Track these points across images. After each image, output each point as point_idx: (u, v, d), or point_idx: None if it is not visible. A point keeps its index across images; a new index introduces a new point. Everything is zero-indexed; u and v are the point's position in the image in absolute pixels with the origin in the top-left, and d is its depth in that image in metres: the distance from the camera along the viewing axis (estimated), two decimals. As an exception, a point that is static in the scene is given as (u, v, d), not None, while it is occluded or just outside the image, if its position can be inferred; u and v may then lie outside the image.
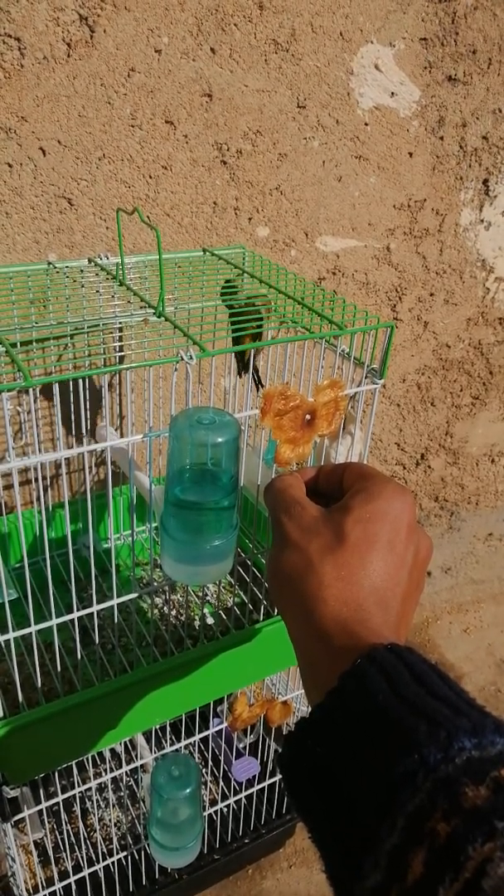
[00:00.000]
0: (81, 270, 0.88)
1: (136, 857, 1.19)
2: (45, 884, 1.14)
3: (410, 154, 1.27)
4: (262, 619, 0.90)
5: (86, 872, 1.12)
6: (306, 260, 1.27)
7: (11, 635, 0.73)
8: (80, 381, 0.92)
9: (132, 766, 1.08)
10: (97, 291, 0.82)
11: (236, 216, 1.16)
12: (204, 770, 1.36)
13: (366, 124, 1.19)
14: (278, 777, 1.28)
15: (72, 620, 0.77)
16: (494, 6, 1.20)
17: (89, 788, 1.21)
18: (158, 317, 0.74)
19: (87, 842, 1.23)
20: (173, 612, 1.01)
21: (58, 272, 0.87)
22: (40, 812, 1.07)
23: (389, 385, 1.56)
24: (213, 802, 1.29)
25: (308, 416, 0.71)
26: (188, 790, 1.00)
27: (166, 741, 1.15)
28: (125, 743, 1.22)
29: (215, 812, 1.27)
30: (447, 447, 1.76)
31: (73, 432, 1.08)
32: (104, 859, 1.15)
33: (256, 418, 0.70)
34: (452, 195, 1.37)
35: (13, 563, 1.05)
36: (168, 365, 0.66)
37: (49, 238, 1.03)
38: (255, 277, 0.89)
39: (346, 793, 0.33)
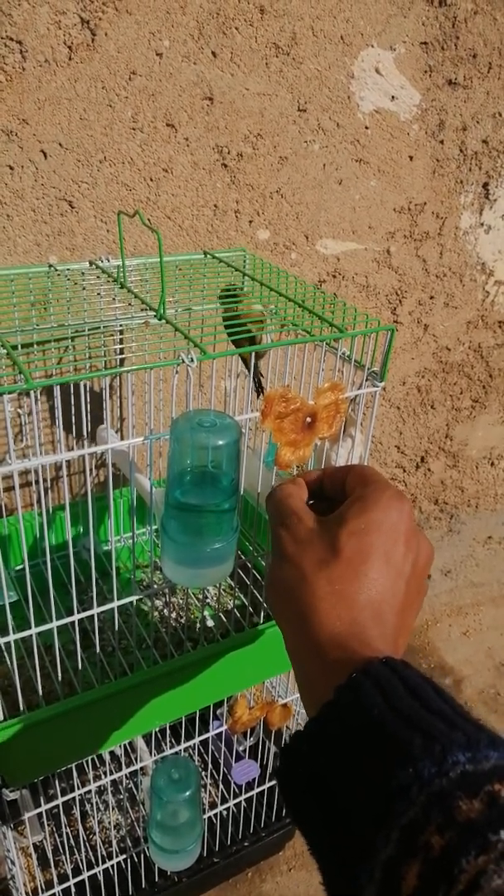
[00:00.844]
0: (82, 273, 0.88)
1: (136, 860, 1.19)
2: (44, 887, 1.14)
3: (411, 157, 1.27)
4: (262, 621, 0.90)
5: (85, 875, 1.12)
6: (307, 263, 1.27)
7: (12, 637, 0.73)
8: (81, 384, 0.92)
9: (132, 768, 1.08)
10: (98, 294, 0.82)
11: (237, 219, 1.16)
12: (204, 773, 1.36)
13: (366, 128, 1.20)
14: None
15: (72, 623, 0.77)
16: (495, 11, 1.20)
17: (89, 791, 1.21)
18: (159, 319, 0.74)
19: (87, 845, 1.23)
20: (173, 615, 1.01)
21: (59, 274, 0.87)
22: (40, 815, 1.07)
23: (389, 388, 1.56)
24: (213, 805, 1.29)
25: (309, 419, 0.71)
26: (188, 793, 1.00)
27: (166, 744, 1.15)
28: (125, 746, 1.22)
29: (215, 815, 1.27)
30: (447, 450, 1.76)
31: (74, 435, 1.08)
32: (104, 862, 1.15)
33: (257, 421, 0.70)
34: (452, 199, 1.37)
35: (14, 565, 1.05)
36: (169, 367, 0.66)
37: (50, 240, 1.03)
38: (256, 280, 0.89)
39: (341, 805, 0.33)
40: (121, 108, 0.99)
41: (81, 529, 1.07)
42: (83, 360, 0.77)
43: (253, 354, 0.77)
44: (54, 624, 0.75)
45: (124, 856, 1.18)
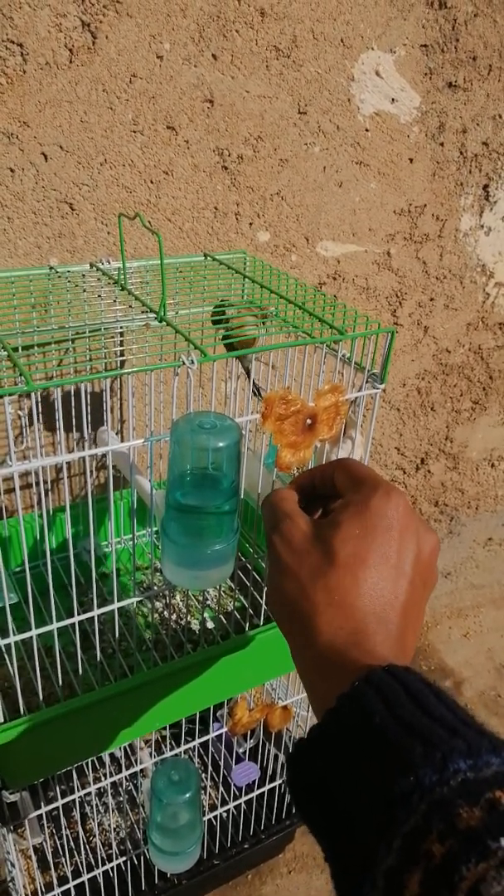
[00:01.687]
0: (83, 275, 0.88)
1: (136, 862, 1.19)
2: (44, 889, 1.14)
3: (411, 160, 1.28)
4: (262, 623, 0.90)
5: (85, 878, 1.12)
6: (307, 265, 1.27)
7: (12, 639, 0.73)
8: (82, 386, 0.92)
9: (132, 770, 1.08)
10: (99, 296, 0.82)
11: (237, 221, 1.16)
12: (204, 775, 1.36)
13: (366, 130, 1.20)
14: (278, 782, 1.27)
15: (72, 624, 0.77)
16: (495, 13, 1.20)
17: (89, 793, 1.21)
18: (160, 321, 0.74)
19: (87, 847, 1.23)
20: (173, 617, 1.01)
21: (59, 277, 0.87)
22: (39, 817, 1.07)
23: (390, 390, 1.56)
24: (213, 807, 1.29)
25: (309, 421, 0.71)
26: (188, 795, 1.00)
27: (166, 746, 1.15)
28: (125, 748, 1.21)
29: (215, 817, 1.27)
30: (447, 452, 1.76)
31: (75, 436, 1.08)
32: (103, 864, 1.15)
33: (257, 423, 0.70)
34: (452, 201, 1.37)
35: (14, 566, 1.05)
36: (169, 369, 0.66)
37: (51, 243, 1.03)
38: (256, 282, 0.89)
39: (344, 812, 0.33)
40: (121, 111, 0.99)
41: (81, 531, 1.07)
42: (84, 361, 0.77)
43: (252, 364, 0.77)
44: (54, 626, 0.75)
45: (124, 858, 1.18)
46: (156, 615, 1.00)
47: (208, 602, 1.04)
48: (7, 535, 1.04)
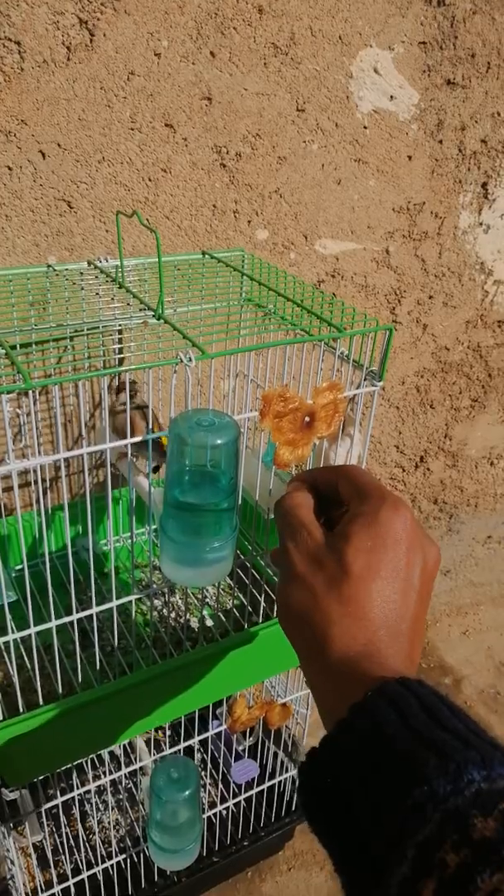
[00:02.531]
0: (81, 273, 0.88)
1: (136, 859, 1.19)
2: (43, 887, 1.14)
3: (409, 157, 1.27)
4: (261, 621, 0.90)
5: (85, 875, 1.12)
6: (305, 263, 1.27)
7: (11, 637, 0.73)
8: (80, 383, 0.92)
9: (131, 768, 1.08)
10: (97, 294, 0.82)
11: (236, 219, 1.16)
12: (203, 772, 1.36)
13: (365, 128, 1.20)
14: (277, 779, 1.28)
15: (71, 623, 0.77)
16: (493, 10, 1.20)
17: (88, 791, 1.21)
18: (158, 319, 0.74)
19: (87, 844, 1.23)
20: (172, 615, 1.01)
21: (57, 275, 0.87)
22: (39, 815, 1.07)
23: (388, 387, 1.56)
24: (213, 805, 1.29)
25: (307, 418, 0.71)
26: (187, 792, 1.00)
27: (165, 743, 1.15)
28: (124, 745, 1.22)
29: (214, 814, 1.27)
30: (446, 450, 1.76)
31: (73, 434, 1.08)
32: (103, 862, 1.15)
33: (256, 420, 0.70)
34: (451, 198, 1.37)
35: (13, 565, 1.05)
36: (167, 367, 0.66)
37: (49, 241, 1.03)
38: (255, 280, 0.89)
39: (357, 822, 0.33)
40: (119, 109, 0.99)
41: (80, 529, 1.07)
42: (82, 359, 0.77)
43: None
44: (53, 623, 0.75)
45: (124, 855, 1.18)
46: (155, 613, 1.00)
47: (207, 600, 1.04)
48: (6, 533, 1.04)
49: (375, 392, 0.80)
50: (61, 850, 1.21)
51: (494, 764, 0.31)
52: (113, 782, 1.32)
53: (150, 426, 0.84)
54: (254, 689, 1.28)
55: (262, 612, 0.92)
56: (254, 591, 0.97)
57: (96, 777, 1.24)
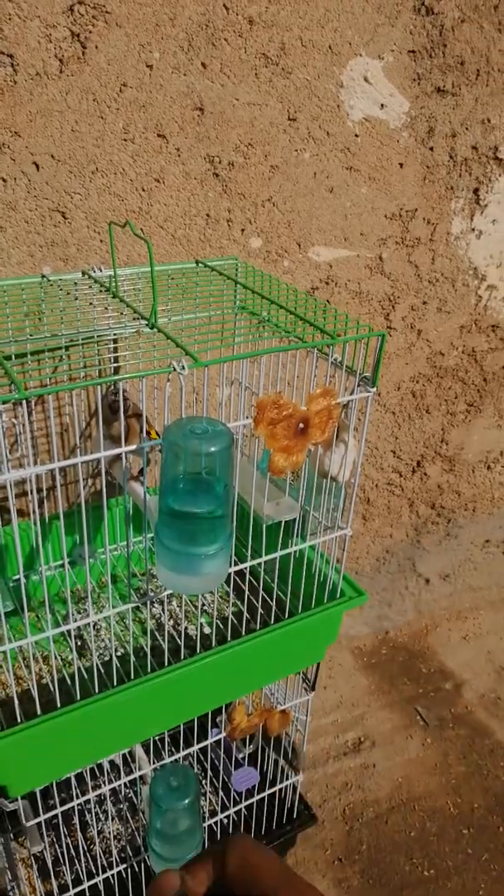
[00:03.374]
0: (75, 283, 0.89)
1: (137, 869, 1.19)
2: (44, 898, 1.14)
3: (401, 164, 1.28)
4: (258, 628, 0.90)
5: (86, 885, 1.12)
6: (299, 270, 1.28)
7: (8, 647, 0.73)
8: (75, 393, 0.93)
9: (131, 777, 1.08)
10: (91, 304, 0.82)
11: (229, 228, 1.17)
12: (203, 780, 1.35)
13: (356, 136, 1.21)
14: (278, 787, 1.27)
15: (68, 631, 0.77)
16: (481, 18, 1.21)
17: (88, 800, 1.21)
18: (151, 328, 0.74)
19: (87, 854, 1.22)
20: (170, 623, 1.01)
21: (52, 285, 0.88)
22: (39, 825, 1.07)
23: (384, 393, 1.57)
24: (213, 813, 1.29)
25: (301, 425, 0.71)
26: (187, 801, 1.00)
27: (165, 752, 1.15)
28: (124, 754, 1.21)
29: (215, 823, 1.26)
30: (443, 454, 1.77)
31: (69, 444, 1.08)
32: (104, 872, 1.15)
33: (250, 427, 0.70)
34: (443, 204, 1.38)
35: (11, 575, 1.05)
36: (162, 375, 0.67)
37: (43, 251, 1.03)
38: (249, 288, 0.89)
39: None
40: (112, 120, 1.00)
41: (77, 538, 1.07)
42: (77, 369, 0.78)
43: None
44: (50, 632, 0.75)
45: (124, 865, 1.17)
46: (152, 621, 1.00)
47: (205, 607, 1.04)
48: (3, 543, 1.04)
49: (369, 398, 0.80)
50: (62, 861, 1.21)
51: None
52: (113, 791, 1.31)
53: (145, 432, 0.84)
54: (253, 696, 1.28)
55: (259, 619, 0.92)
56: (251, 598, 0.97)
57: (96, 786, 1.24)
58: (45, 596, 0.74)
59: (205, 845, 1.18)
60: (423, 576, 1.97)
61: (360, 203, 1.28)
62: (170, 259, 1.14)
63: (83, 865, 1.18)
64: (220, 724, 1.10)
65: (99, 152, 1.01)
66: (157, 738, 1.10)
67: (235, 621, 0.91)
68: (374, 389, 0.80)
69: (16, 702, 0.75)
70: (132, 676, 0.83)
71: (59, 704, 0.79)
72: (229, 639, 0.88)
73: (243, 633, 0.89)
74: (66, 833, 1.24)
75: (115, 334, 0.77)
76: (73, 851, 1.23)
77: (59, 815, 1.03)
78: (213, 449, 0.59)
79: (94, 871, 1.17)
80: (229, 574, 0.75)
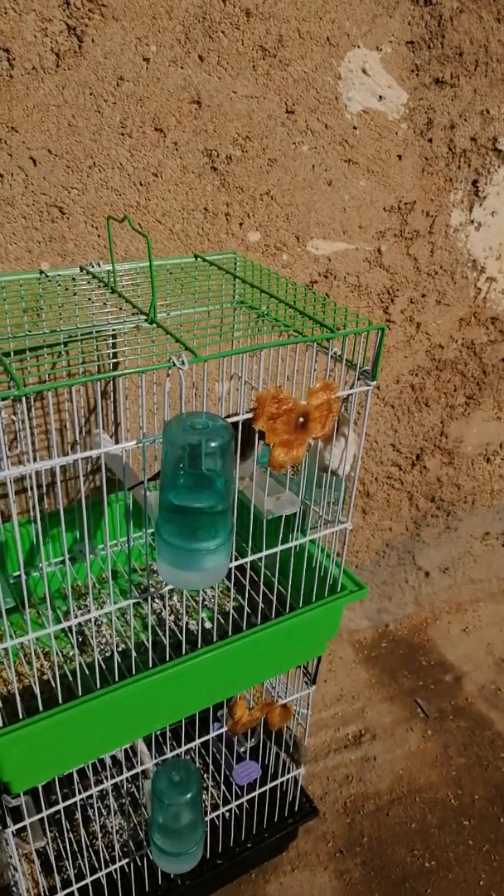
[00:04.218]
0: (73, 278, 0.89)
1: (139, 863, 1.19)
2: (47, 893, 1.14)
3: (399, 157, 1.28)
4: (259, 622, 0.90)
5: (88, 880, 1.12)
6: (298, 264, 1.28)
7: (9, 643, 0.73)
8: (74, 389, 0.92)
9: (133, 772, 1.08)
10: (89, 299, 0.82)
11: (227, 222, 1.16)
12: (205, 775, 1.36)
13: (354, 128, 1.20)
14: (280, 780, 1.28)
15: (70, 627, 0.77)
16: (480, 9, 1.20)
17: (90, 795, 1.21)
18: (150, 323, 0.74)
19: (90, 849, 1.23)
20: (171, 618, 1.01)
21: (50, 281, 0.88)
22: (42, 820, 1.07)
23: (383, 386, 1.56)
24: (215, 807, 1.29)
25: (301, 419, 0.71)
26: (189, 795, 1.00)
27: (166, 746, 1.15)
28: (125, 749, 1.22)
29: (217, 817, 1.27)
30: (442, 447, 1.77)
31: (69, 440, 1.08)
32: (106, 866, 1.15)
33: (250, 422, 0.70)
34: (442, 197, 1.38)
35: (12, 571, 1.05)
36: (161, 371, 0.66)
37: (41, 247, 1.03)
38: (247, 283, 0.89)
39: None
40: (109, 114, 0.99)
41: (77, 534, 1.07)
42: (76, 364, 0.77)
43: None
44: (51, 629, 0.75)
45: (127, 860, 1.18)
46: (153, 616, 1.00)
47: (206, 602, 1.04)
48: (3, 539, 1.04)
49: (369, 391, 0.80)
50: (64, 856, 1.21)
51: None
52: (115, 786, 1.32)
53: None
54: (254, 690, 1.28)
55: (260, 613, 0.93)
56: (252, 593, 0.97)
57: (98, 781, 1.24)
58: (45, 592, 0.74)
59: (207, 840, 1.18)
60: (422, 569, 1.97)
61: (358, 196, 1.27)
62: (168, 254, 1.14)
63: (85, 860, 1.19)
64: (222, 719, 1.11)
65: (96, 147, 1.00)
66: (158, 732, 1.10)
67: (236, 616, 0.92)
68: (374, 383, 0.79)
69: (17, 698, 0.75)
70: (133, 672, 0.83)
71: (60, 700, 0.79)
72: (230, 633, 0.88)
73: (244, 627, 0.89)
74: (69, 828, 1.25)
75: (113, 330, 0.77)
76: (75, 846, 1.23)
77: (62, 811, 1.03)
78: (213, 444, 0.59)
79: (97, 866, 1.17)
80: (230, 569, 0.75)
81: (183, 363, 0.64)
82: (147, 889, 1.20)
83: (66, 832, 1.21)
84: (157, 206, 1.09)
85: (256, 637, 0.88)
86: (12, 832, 0.98)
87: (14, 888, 1.11)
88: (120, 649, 0.93)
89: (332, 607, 0.94)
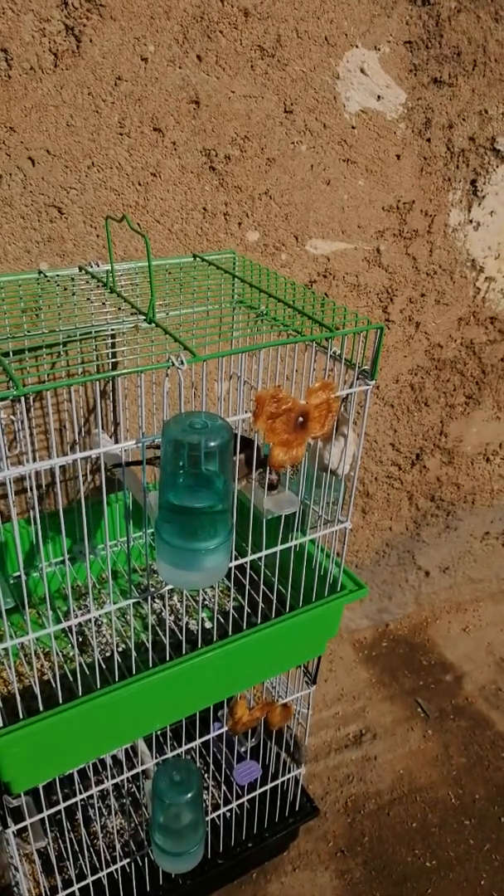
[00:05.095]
0: (72, 279, 0.89)
1: (140, 863, 1.19)
2: (48, 893, 1.14)
3: (398, 156, 1.28)
4: (259, 622, 0.90)
5: (89, 880, 1.12)
6: (297, 263, 1.28)
7: (10, 643, 0.73)
8: (72, 389, 0.92)
9: (133, 772, 1.08)
10: (88, 299, 0.82)
11: (226, 221, 1.16)
12: (205, 774, 1.36)
13: (353, 128, 1.20)
14: (280, 780, 1.28)
15: (70, 627, 0.77)
16: (478, 8, 1.21)
17: (91, 796, 1.21)
18: (149, 323, 0.74)
19: (91, 849, 1.23)
20: (171, 618, 1.01)
21: (49, 281, 0.88)
22: (42, 820, 1.07)
23: (383, 386, 1.57)
24: (216, 807, 1.29)
25: (301, 419, 0.71)
26: (190, 795, 1.00)
27: (167, 746, 1.15)
28: (126, 749, 1.22)
29: (218, 816, 1.27)
30: (442, 447, 1.77)
31: (68, 440, 1.08)
32: (107, 866, 1.15)
33: (249, 422, 0.70)
34: (441, 196, 1.38)
35: (11, 571, 1.05)
36: (160, 371, 0.66)
37: (40, 247, 1.03)
38: (246, 282, 0.89)
39: None
40: (107, 114, 0.99)
41: (77, 534, 1.07)
42: (75, 364, 0.77)
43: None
44: (51, 629, 0.75)
45: (128, 860, 1.18)
46: (153, 616, 1.00)
47: (206, 602, 1.04)
48: (3, 540, 1.04)
49: (368, 391, 0.80)
50: (65, 856, 1.21)
51: None
52: (116, 786, 1.32)
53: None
54: (254, 690, 1.28)
55: (260, 613, 0.93)
56: (252, 592, 0.97)
57: (99, 781, 1.24)
58: (45, 592, 0.74)
59: (208, 840, 1.18)
60: (422, 568, 1.97)
61: (357, 195, 1.27)
62: (167, 253, 1.14)
63: (86, 860, 1.19)
64: (222, 719, 1.11)
65: (95, 147, 1.00)
66: (159, 732, 1.10)
67: (236, 616, 0.91)
68: (373, 382, 0.80)
69: (18, 698, 0.75)
70: (134, 672, 0.83)
71: (61, 700, 0.79)
72: (230, 633, 0.88)
73: (244, 627, 0.89)
74: (70, 828, 1.25)
75: (112, 330, 0.77)
76: (76, 846, 1.23)
77: (63, 811, 1.03)
78: (212, 444, 0.59)
79: (98, 866, 1.17)
80: (230, 568, 0.75)
81: (182, 363, 0.64)
82: (148, 889, 1.20)
83: (66, 832, 1.21)
84: (155, 206, 1.09)
85: (256, 637, 0.88)
86: (13, 832, 0.98)
87: (15, 888, 1.11)
88: (120, 649, 0.93)
89: (332, 607, 0.94)
